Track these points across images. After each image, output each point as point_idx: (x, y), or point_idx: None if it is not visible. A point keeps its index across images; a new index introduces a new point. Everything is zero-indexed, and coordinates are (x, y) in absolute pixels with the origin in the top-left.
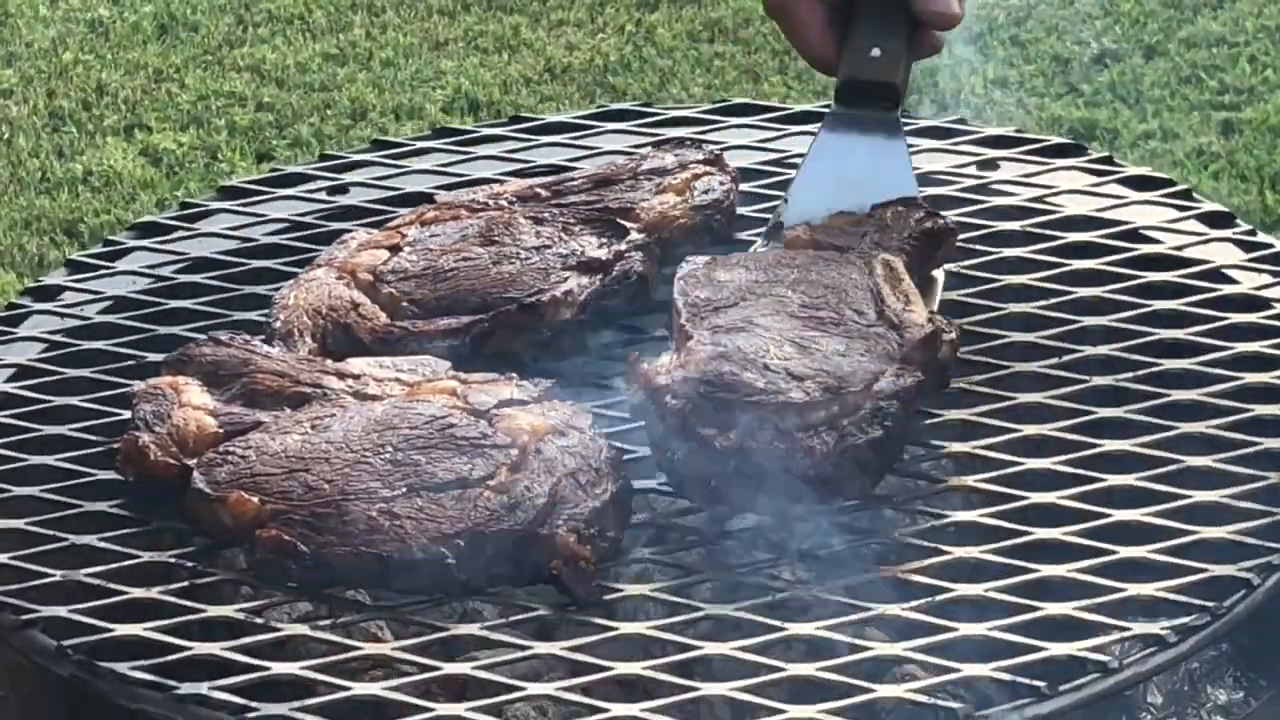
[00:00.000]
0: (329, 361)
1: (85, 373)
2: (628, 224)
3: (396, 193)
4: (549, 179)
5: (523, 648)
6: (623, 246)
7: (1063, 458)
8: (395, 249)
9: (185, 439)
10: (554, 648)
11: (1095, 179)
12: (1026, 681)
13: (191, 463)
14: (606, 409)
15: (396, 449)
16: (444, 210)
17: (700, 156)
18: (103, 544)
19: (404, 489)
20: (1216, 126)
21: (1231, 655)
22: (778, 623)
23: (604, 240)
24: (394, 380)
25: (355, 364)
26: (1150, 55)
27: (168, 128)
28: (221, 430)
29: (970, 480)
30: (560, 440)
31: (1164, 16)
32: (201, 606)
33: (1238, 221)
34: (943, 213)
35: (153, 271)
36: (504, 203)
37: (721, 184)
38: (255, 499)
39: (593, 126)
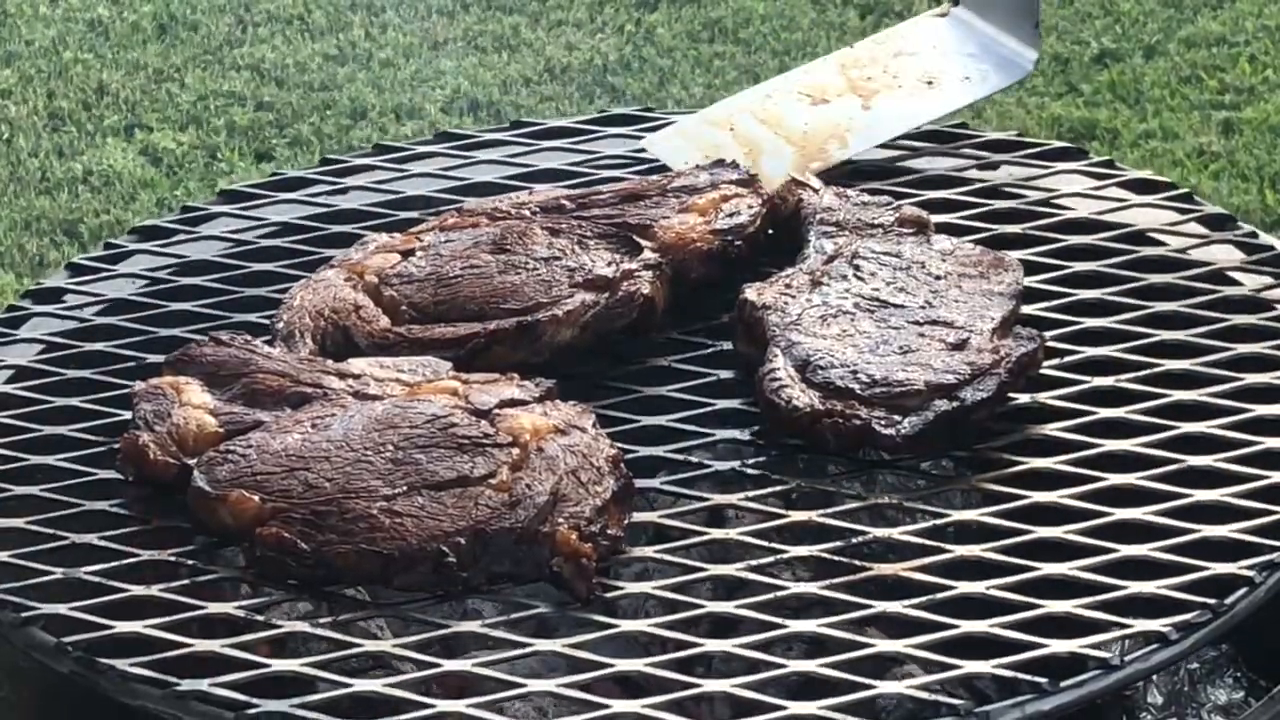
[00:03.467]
0: (329, 362)
1: (86, 374)
2: (643, 241)
3: (396, 196)
4: (577, 190)
5: (523, 645)
6: (634, 265)
7: (1063, 457)
8: (409, 253)
9: (185, 438)
10: (554, 645)
11: (1097, 182)
12: (1028, 678)
13: (191, 462)
14: (610, 409)
15: (397, 448)
16: (465, 217)
17: (734, 176)
18: (103, 542)
19: (405, 487)
20: (1217, 126)
21: (1232, 655)
22: (779, 620)
23: (616, 257)
24: (395, 380)
25: (356, 364)
26: (1150, 55)
27: (167, 127)
28: (222, 430)
29: (970, 480)
30: (562, 439)
31: (1164, 16)
32: (201, 604)
33: (1239, 224)
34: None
35: (152, 274)
36: (527, 212)
37: (750, 208)
38: (256, 497)
39: (593, 131)
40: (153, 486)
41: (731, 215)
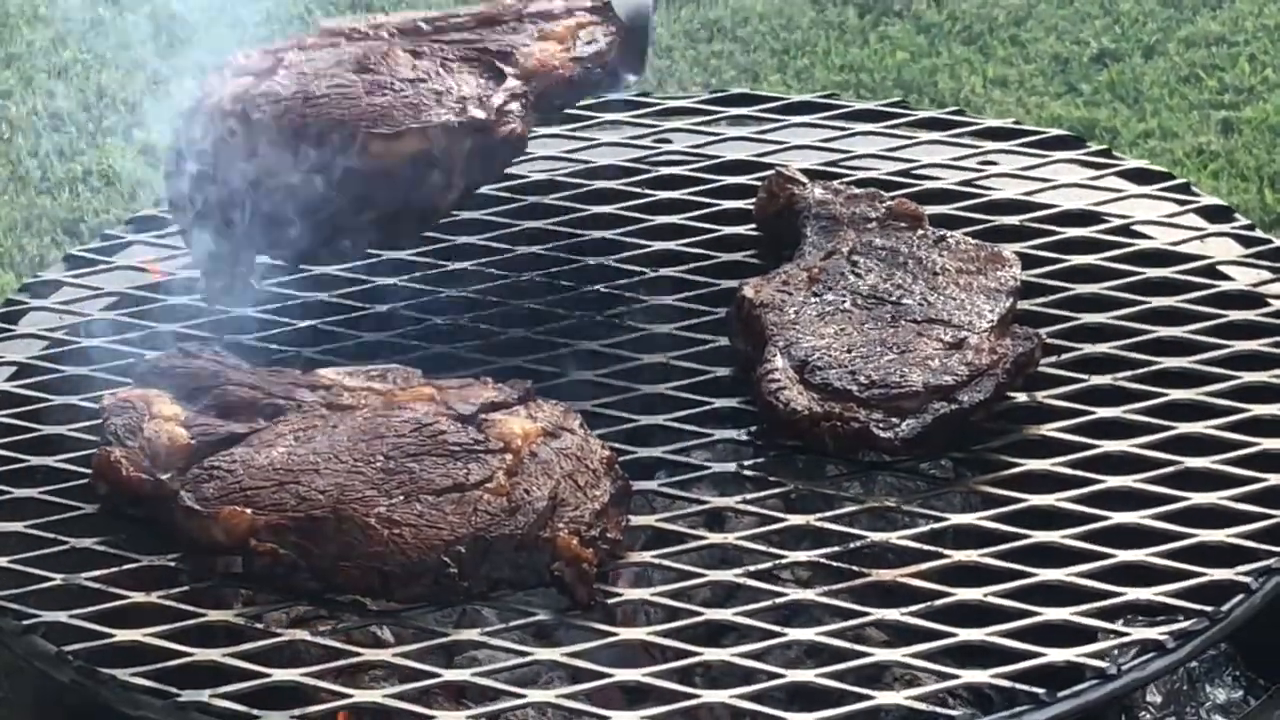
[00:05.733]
0: (299, 373)
1: (84, 371)
2: (506, 68)
3: None
4: (432, 13)
5: (523, 653)
6: (500, 97)
7: (1061, 459)
8: (271, 71)
9: (157, 452)
10: (554, 653)
11: (1093, 172)
12: (1025, 688)
13: (164, 476)
14: (607, 408)
15: (388, 457)
16: (324, 36)
17: (588, 4)
18: (102, 547)
19: (401, 496)
20: (1216, 126)
21: (1231, 654)
22: (777, 628)
23: (480, 81)
24: (367, 389)
25: (326, 374)
26: (1150, 55)
27: (167, 128)
28: (194, 441)
29: (969, 482)
30: (553, 442)
31: (1163, 16)
32: (202, 611)
33: (1236, 216)
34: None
35: (149, 272)
36: (385, 34)
37: (606, 36)
38: (248, 511)
39: (592, 117)
40: (127, 501)
41: (590, 43)
